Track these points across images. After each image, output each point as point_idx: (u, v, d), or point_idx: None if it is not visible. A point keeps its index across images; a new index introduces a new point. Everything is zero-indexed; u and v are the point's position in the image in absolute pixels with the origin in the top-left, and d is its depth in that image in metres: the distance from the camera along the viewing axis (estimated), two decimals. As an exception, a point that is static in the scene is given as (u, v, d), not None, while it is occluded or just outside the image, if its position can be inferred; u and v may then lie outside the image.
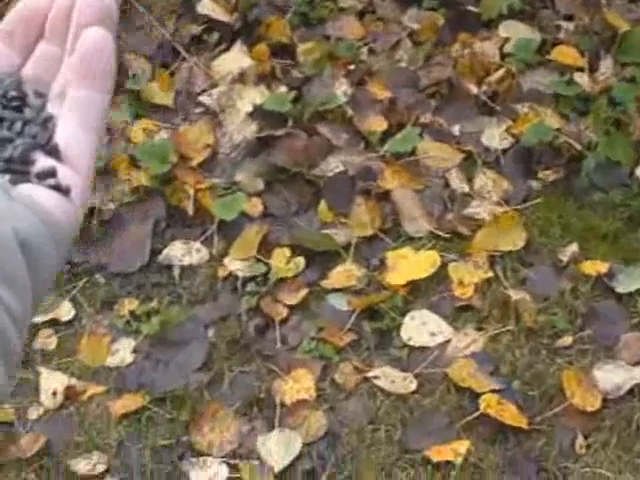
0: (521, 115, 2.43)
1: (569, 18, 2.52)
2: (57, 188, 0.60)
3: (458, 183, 2.38)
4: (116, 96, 2.45)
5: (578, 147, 2.35)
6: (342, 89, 2.59)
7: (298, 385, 2.08)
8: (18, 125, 0.62)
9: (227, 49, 2.54)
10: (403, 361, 2.19)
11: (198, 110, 2.57)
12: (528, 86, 2.47)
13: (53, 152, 0.62)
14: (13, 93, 0.64)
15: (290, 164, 2.46)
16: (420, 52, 2.59)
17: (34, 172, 0.60)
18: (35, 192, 0.60)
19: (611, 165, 2.33)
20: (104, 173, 2.41)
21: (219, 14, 2.50)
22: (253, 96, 2.56)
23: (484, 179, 2.38)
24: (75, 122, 0.63)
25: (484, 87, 2.46)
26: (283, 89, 2.60)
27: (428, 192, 2.39)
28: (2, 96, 0.64)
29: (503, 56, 2.51)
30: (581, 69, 2.45)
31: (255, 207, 2.42)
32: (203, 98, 2.55)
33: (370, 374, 2.15)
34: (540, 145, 2.37)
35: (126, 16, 2.48)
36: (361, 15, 2.61)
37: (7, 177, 0.58)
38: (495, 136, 2.42)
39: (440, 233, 2.34)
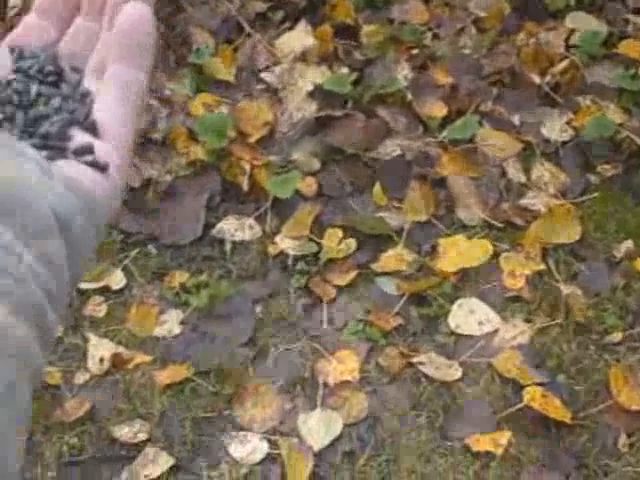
0: (583, 108, 2.41)
1: (638, 12, 2.49)
2: (94, 165, 0.60)
3: (515, 173, 2.37)
4: (179, 69, 2.46)
5: (639, 143, 2.32)
6: (403, 73, 2.58)
7: (342, 366, 2.09)
8: (55, 101, 0.61)
9: (291, 27, 2.54)
10: (449, 348, 2.18)
11: (259, 87, 2.57)
12: (592, 79, 2.44)
13: (90, 128, 0.61)
14: (50, 68, 0.63)
15: (347, 145, 2.46)
16: (484, 39, 2.56)
17: (71, 148, 0.59)
18: (72, 169, 0.60)
19: (671, 163, 2.30)
20: (162, 145, 2.42)
21: None
22: (314, 76, 2.56)
23: (542, 170, 2.36)
24: (113, 98, 0.62)
25: (547, 78, 2.44)
26: (344, 70, 2.60)
27: (484, 180, 2.38)
28: (38, 71, 0.63)
29: (568, 47, 2.48)
30: None
31: (310, 186, 2.42)
32: (265, 75, 2.55)
33: (415, 359, 2.15)
34: (600, 140, 2.34)
35: None
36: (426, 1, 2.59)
37: (44, 153, 0.58)
38: (555, 128, 2.40)
39: (494, 222, 2.32)
